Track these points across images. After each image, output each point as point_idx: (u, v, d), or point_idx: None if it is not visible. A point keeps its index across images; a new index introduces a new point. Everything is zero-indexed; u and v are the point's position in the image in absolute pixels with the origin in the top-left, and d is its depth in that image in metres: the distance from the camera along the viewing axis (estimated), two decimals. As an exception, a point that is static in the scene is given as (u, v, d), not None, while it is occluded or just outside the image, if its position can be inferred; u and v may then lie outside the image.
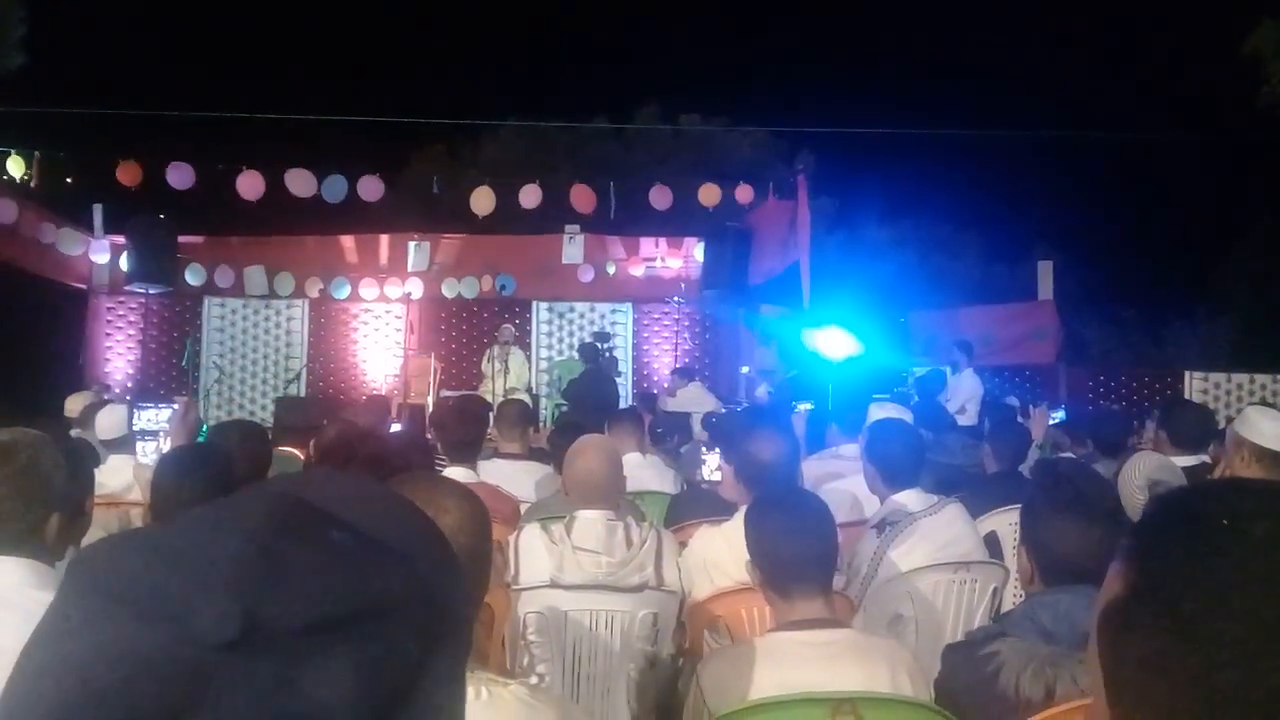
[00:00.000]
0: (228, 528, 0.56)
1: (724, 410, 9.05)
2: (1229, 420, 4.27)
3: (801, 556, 2.37)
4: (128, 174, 12.13)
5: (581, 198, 13.17)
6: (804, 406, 8.48)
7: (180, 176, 12.17)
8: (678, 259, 14.75)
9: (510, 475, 4.93)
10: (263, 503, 0.59)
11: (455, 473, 4.23)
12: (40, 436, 2.18)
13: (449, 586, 0.64)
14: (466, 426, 4.55)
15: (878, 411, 5.19)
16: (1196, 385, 13.69)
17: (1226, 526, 0.76)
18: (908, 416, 5.26)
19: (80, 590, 0.55)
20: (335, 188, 12.59)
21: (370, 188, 12.75)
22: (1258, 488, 0.81)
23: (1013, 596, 3.54)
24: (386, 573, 0.58)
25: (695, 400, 10.66)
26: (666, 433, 6.83)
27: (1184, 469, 4.00)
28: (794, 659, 2.25)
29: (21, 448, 2.11)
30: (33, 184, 12.10)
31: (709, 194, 13.20)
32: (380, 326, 14.37)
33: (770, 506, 2.54)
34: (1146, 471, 3.70)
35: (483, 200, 12.98)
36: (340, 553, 0.57)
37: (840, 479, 4.69)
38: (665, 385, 12.76)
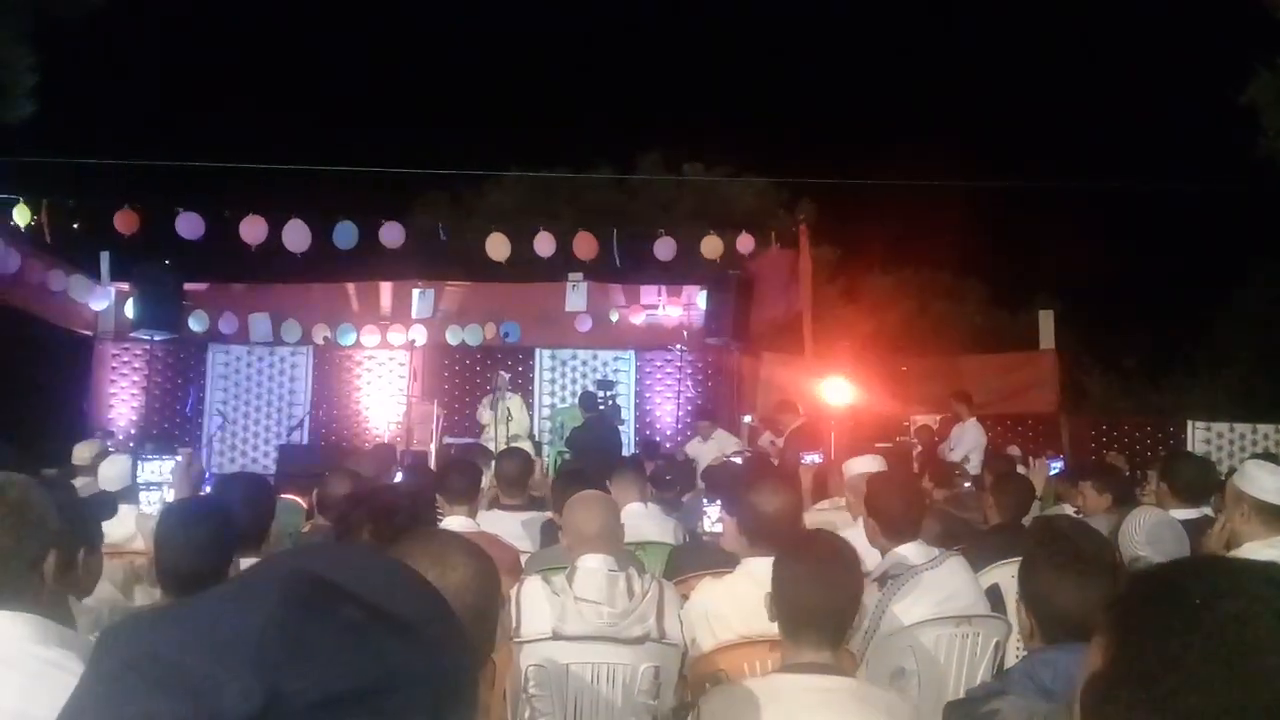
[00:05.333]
0: (249, 605, 0.59)
1: (725, 459, 9.03)
2: (1231, 471, 4.27)
3: (815, 607, 2.37)
4: (125, 222, 12.22)
5: (584, 245, 13.23)
6: (810, 457, 8.45)
7: (190, 226, 12.26)
8: (678, 307, 14.79)
9: (510, 525, 4.95)
10: (280, 580, 0.62)
11: (454, 522, 4.25)
12: (27, 478, 2.19)
13: (455, 655, 0.67)
14: (463, 475, 4.59)
15: (857, 465, 5.19)
16: (1199, 435, 13.63)
17: (1199, 605, 0.78)
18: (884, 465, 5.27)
19: (108, 665, 0.58)
20: (346, 235, 12.66)
21: (388, 234, 12.79)
22: (1234, 566, 0.83)
23: (1015, 650, 3.53)
24: (397, 647, 0.61)
25: (724, 443, 10.84)
26: (674, 480, 6.75)
27: (1184, 522, 4.00)
28: (796, 703, 2.22)
29: (9, 486, 2.10)
30: (41, 231, 12.18)
31: (711, 245, 13.23)
32: (384, 373, 14.37)
33: (799, 551, 2.53)
34: (1146, 526, 3.70)
35: (497, 247, 13.05)
36: (354, 628, 0.60)
37: (840, 530, 4.69)
38: (691, 429, 12.60)
